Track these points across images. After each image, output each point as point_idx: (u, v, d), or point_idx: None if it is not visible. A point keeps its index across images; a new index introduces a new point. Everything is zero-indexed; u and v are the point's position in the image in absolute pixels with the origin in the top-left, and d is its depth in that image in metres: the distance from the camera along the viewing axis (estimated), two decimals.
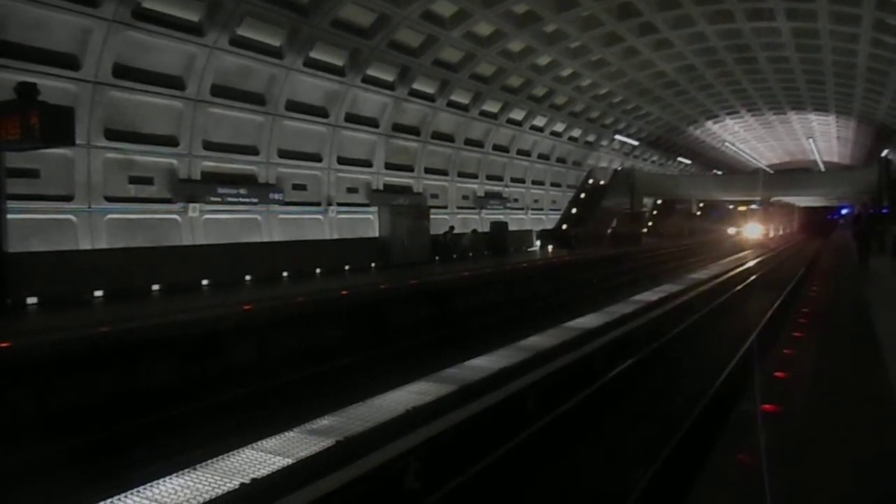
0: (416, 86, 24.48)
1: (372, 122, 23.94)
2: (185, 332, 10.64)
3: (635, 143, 43.04)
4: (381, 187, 25.05)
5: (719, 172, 57.85)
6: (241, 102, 18.91)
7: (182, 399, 9.19)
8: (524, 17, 23.23)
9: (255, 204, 19.78)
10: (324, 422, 6.26)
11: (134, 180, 16.75)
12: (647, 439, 7.51)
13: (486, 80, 27.10)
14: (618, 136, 40.79)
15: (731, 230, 56.44)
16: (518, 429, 7.46)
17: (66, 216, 15.26)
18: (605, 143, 41.30)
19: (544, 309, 17.42)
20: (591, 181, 42.07)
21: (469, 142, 29.71)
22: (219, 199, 18.58)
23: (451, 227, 26.42)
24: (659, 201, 53.61)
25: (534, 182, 36.85)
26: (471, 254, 26.08)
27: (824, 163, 55.64)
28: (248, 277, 17.21)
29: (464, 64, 25.08)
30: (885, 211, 32.32)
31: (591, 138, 39.53)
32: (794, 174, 55.35)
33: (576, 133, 37.64)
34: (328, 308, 13.68)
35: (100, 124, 15.54)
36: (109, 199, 16.07)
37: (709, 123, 44.67)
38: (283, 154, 20.75)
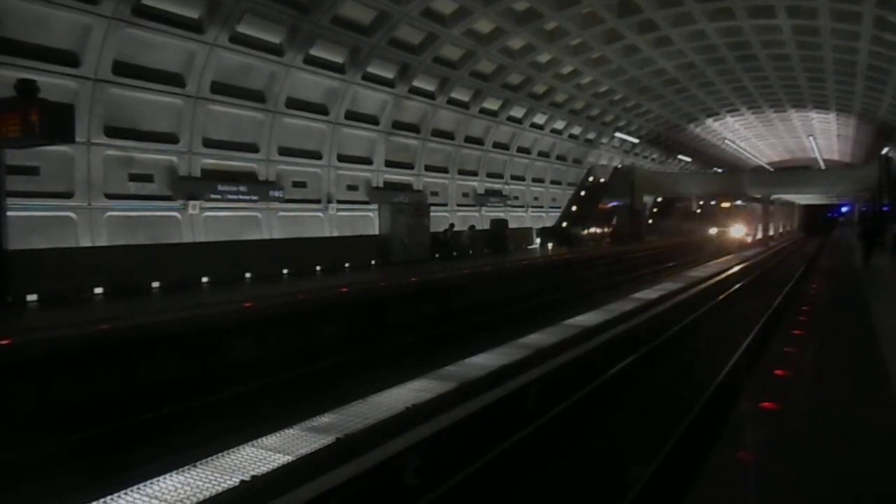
0: (416, 83, 24.46)
1: (372, 120, 23.92)
2: (185, 330, 10.64)
3: (635, 140, 43.01)
4: (381, 185, 25.03)
5: (719, 170, 57.76)
6: (242, 100, 18.89)
7: (182, 396, 9.20)
8: (524, 15, 23.19)
9: (255, 201, 19.78)
10: (324, 419, 6.26)
11: (134, 177, 16.74)
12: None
13: (486, 78, 27.07)
14: (618, 134, 40.76)
15: (713, 230, 49.16)
16: (518, 426, 7.48)
17: (67, 213, 15.25)
18: (605, 140, 41.27)
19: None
20: (591, 179, 42.04)
21: (469, 139, 29.69)
22: (219, 197, 18.58)
23: (451, 225, 26.42)
24: (659, 199, 53.42)
25: (534, 180, 36.83)
26: (471, 251, 26.08)
27: (824, 161, 55.58)
28: (248, 275, 17.20)
29: (464, 61, 25.05)
30: (885, 209, 32.33)
31: (591, 136, 39.50)
32: (794, 172, 55.11)
33: (576, 131, 37.61)
34: (328, 306, 13.69)
35: (100, 121, 15.53)
36: (109, 197, 16.07)
37: (709, 121, 44.62)
38: (283, 151, 20.73)
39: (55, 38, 14.21)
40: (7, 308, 11.82)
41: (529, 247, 32.68)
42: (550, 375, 8.78)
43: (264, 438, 5.73)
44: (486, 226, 29.75)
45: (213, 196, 18.38)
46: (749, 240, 47.61)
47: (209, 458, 5.26)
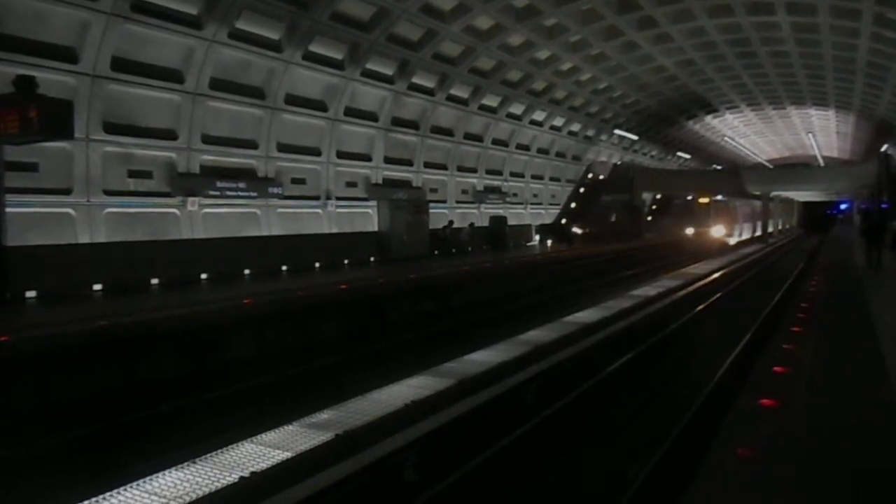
0: (415, 80, 24.44)
1: (371, 116, 23.90)
2: (183, 327, 10.64)
3: (634, 137, 43.00)
4: (380, 181, 25.02)
5: (719, 167, 57.75)
6: (240, 96, 18.87)
7: (181, 393, 9.20)
8: (524, 11, 23.18)
9: (254, 198, 19.78)
10: (323, 416, 6.27)
11: (133, 174, 16.74)
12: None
13: (485, 75, 27.05)
14: (617, 131, 40.74)
15: (689, 230, 41.08)
16: (517, 422, 7.48)
17: (65, 210, 15.25)
18: (604, 137, 41.25)
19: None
20: (590, 176, 42.04)
21: (468, 136, 29.67)
22: (218, 193, 18.57)
23: (451, 222, 26.42)
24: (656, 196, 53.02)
25: (533, 176, 36.83)
26: (470, 248, 26.07)
27: (824, 158, 55.58)
28: (247, 271, 17.20)
29: (463, 58, 25.03)
30: (884, 206, 32.34)
31: (590, 133, 39.49)
32: (793, 169, 55.02)
33: (575, 127, 37.60)
34: (327, 302, 13.69)
35: (98, 118, 15.51)
36: (108, 193, 16.06)
37: (708, 118, 44.62)
38: (282, 148, 20.72)
39: (54, 34, 14.18)
40: (6, 305, 11.81)
41: (528, 244, 32.68)
42: (549, 372, 8.77)
43: (264, 435, 5.74)
44: (486, 223, 29.74)
45: (212, 193, 18.38)
46: (732, 241, 40.53)
47: (208, 455, 5.26)
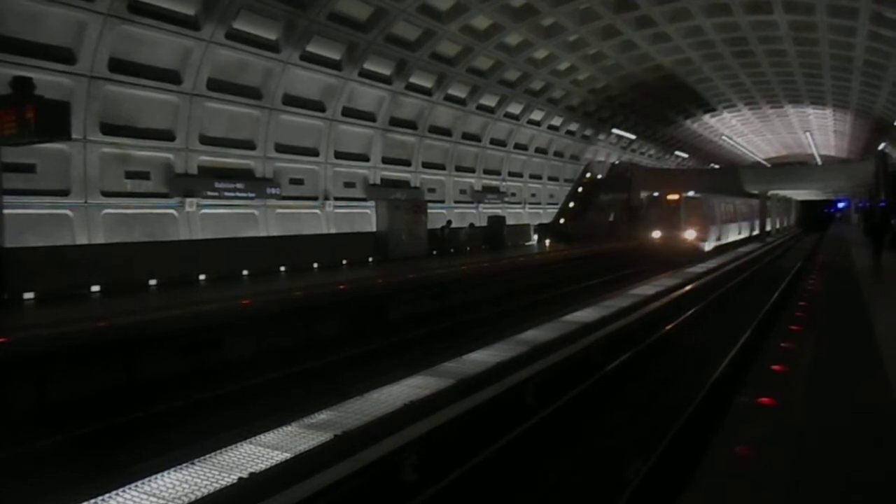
0: (413, 80, 24.44)
1: (369, 117, 23.89)
2: (182, 327, 10.63)
3: (632, 136, 43.03)
4: (378, 181, 25.02)
5: (717, 166, 57.80)
6: (238, 96, 18.86)
7: (179, 393, 9.19)
8: (521, 11, 23.19)
9: (252, 198, 19.76)
10: (322, 416, 6.27)
11: (130, 175, 16.73)
12: None
13: (483, 74, 27.05)
14: (615, 130, 40.77)
15: (655, 234, 32.18)
16: (516, 422, 7.48)
17: (63, 211, 15.23)
18: (602, 137, 41.29)
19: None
20: (588, 175, 42.05)
21: (466, 136, 29.68)
22: (216, 194, 18.56)
23: (449, 222, 26.41)
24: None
25: (531, 176, 36.84)
26: (468, 248, 26.07)
27: (821, 156, 55.66)
28: (245, 272, 17.18)
29: (461, 58, 25.03)
30: (882, 204, 32.37)
31: (588, 132, 39.52)
32: (791, 168, 55.06)
33: (573, 127, 37.62)
34: (325, 303, 13.68)
35: (96, 119, 15.49)
36: (106, 194, 16.04)
37: (706, 117, 44.67)
38: (280, 148, 20.70)
39: (51, 35, 14.17)
40: (3, 306, 11.79)
41: (527, 243, 32.69)
42: (547, 371, 8.77)
43: (262, 436, 5.74)
44: (484, 222, 29.74)
45: (209, 193, 18.36)
46: (708, 247, 31.86)
47: (207, 456, 5.26)
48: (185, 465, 5.09)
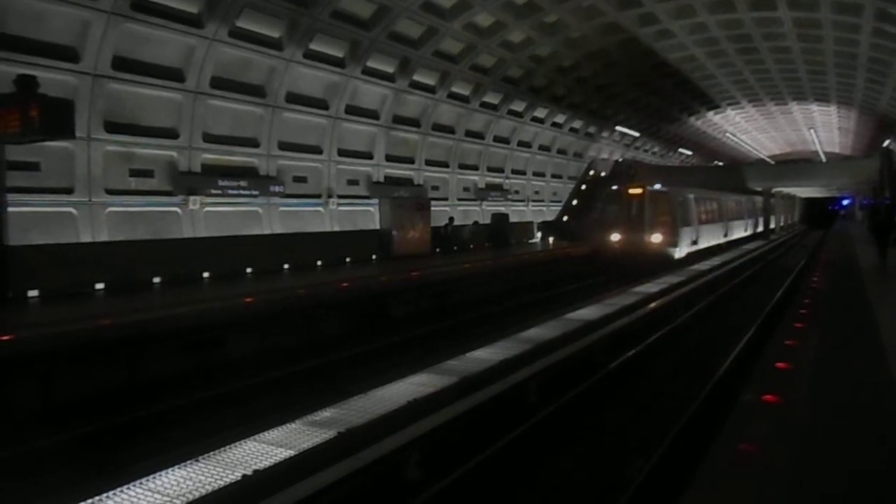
0: (416, 77, 24.40)
1: (372, 114, 23.88)
2: (186, 325, 10.66)
3: (636, 134, 42.95)
4: (381, 179, 25.01)
5: (720, 163, 57.65)
6: (241, 94, 18.86)
7: (184, 390, 9.22)
8: (524, 8, 23.12)
9: (255, 196, 19.77)
10: (325, 413, 6.27)
11: (134, 173, 16.73)
12: None
13: (486, 72, 27.00)
14: (618, 128, 40.69)
15: (613, 237, 25.92)
16: (519, 420, 7.49)
17: (67, 209, 15.25)
18: (605, 134, 41.20)
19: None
20: (591, 173, 41.99)
21: (470, 133, 29.64)
22: (219, 192, 18.56)
23: (451, 219, 26.38)
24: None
25: (535, 174, 36.78)
26: (472, 246, 26.06)
27: (825, 153, 55.48)
28: (249, 270, 17.20)
29: (464, 55, 24.99)
30: (886, 201, 32.27)
31: (591, 130, 39.44)
32: (795, 165, 54.89)
33: (577, 124, 37.54)
34: (329, 301, 13.70)
35: (100, 117, 15.51)
36: (110, 192, 16.06)
37: (710, 114, 44.53)
38: (284, 146, 20.71)
39: (55, 33, 14.18)
40: (8, 304, 11.82)
41: (530, 241, 32.65)
42: (550, 370, 8.78)
43: (266, 433, 5.74)
44: (487, 220, 29.70)
45: (213, 191, 18.36)
46: (679, 254, 25.15)
47: (211, 453, 5.27)
48: (188, 462, 5.10)
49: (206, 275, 16.12)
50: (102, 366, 9.41)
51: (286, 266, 18.25)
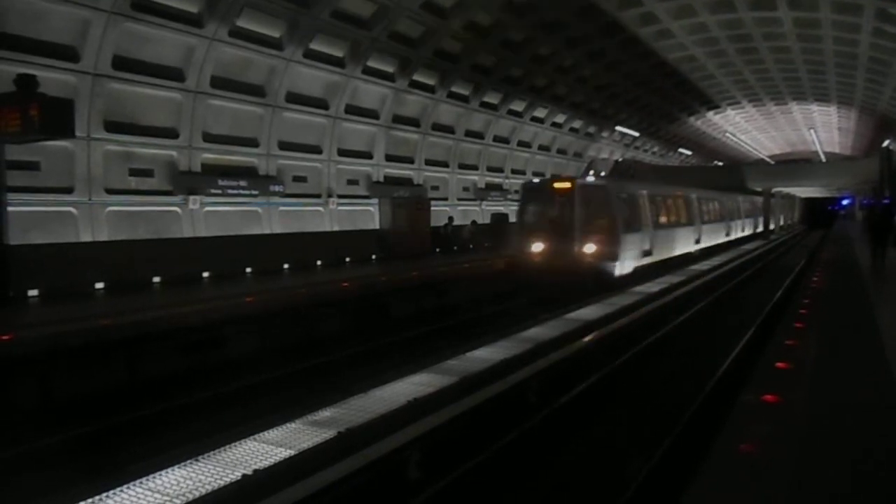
0: (416, 77, 24.40)
1: (372, 114, 23.87)
2: (186, 324, 10.65)
3: (636, 134, 42.95)
4: (381, 179, 25.01)
5: (720, 163, 57.62)
6: (241, 94, 18.85)
7: (183, 390, 9.21)
8: (524, 8, 23.11)
9: (255, 196, 19.76)
10: (325, 413, 6.27)
11: (134, 172, 16.72)
12: None
13: (486, 72, 27.00)
14: (618, 128, 40.67)
15: (535, 246, 18.70)
16: (519, 419, 7.49)
17: (67, 208, 15.24)
18: (605, 134, 41.19)
19: None
20: (591, 173, 41.94)
21: (469, 133, 29.63)
22: (219, 192, 18.56)
23: (451, 219, 26.40)
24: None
25: (534, 173, 36.73)
26: (471, 246, 26.06)
27: (825, 153, 55.47)
28: (248, 269, 17.21)
29: (464, 55, 24.99)
30: (885, 201, 32.27)
31: (591, 130, 39.43)
32: (795, 165, 54.84)
33: (576, 124, 37.53)
34: (329, 300, 13.71)
35: (99, 116, 15.50)
36: (110, 192, 16.05)
37: (710, 114, 44.54)
38: (284, 146, 20.70)
39: (54, 32, 14.17)
40: (8, 303, 11.82)
41: None
42: (550, 369, 8.77)
43: (266, 433, 5.74)
44: (487, 220, 29.69)
45: (213, 191, 18.36)
46: (621, 271, 18.25)
47: (211, 453, 5.27)
48: (188, 461, 5.09)
49: (205, 274, 16.14)
50: (102, 365, 9.41)
51: (286, 266, 18.27)
